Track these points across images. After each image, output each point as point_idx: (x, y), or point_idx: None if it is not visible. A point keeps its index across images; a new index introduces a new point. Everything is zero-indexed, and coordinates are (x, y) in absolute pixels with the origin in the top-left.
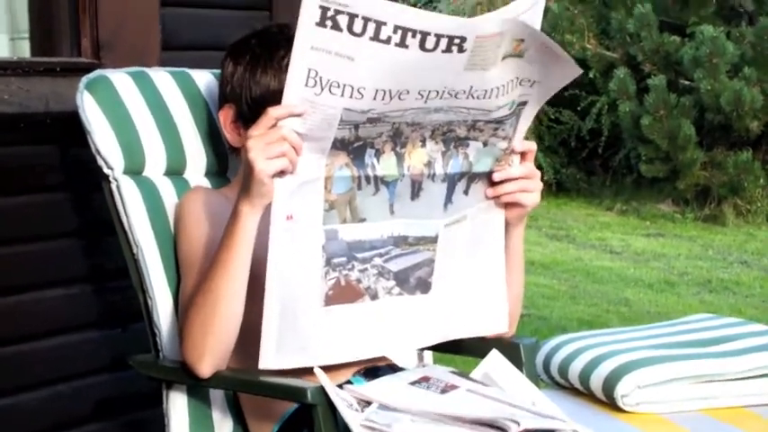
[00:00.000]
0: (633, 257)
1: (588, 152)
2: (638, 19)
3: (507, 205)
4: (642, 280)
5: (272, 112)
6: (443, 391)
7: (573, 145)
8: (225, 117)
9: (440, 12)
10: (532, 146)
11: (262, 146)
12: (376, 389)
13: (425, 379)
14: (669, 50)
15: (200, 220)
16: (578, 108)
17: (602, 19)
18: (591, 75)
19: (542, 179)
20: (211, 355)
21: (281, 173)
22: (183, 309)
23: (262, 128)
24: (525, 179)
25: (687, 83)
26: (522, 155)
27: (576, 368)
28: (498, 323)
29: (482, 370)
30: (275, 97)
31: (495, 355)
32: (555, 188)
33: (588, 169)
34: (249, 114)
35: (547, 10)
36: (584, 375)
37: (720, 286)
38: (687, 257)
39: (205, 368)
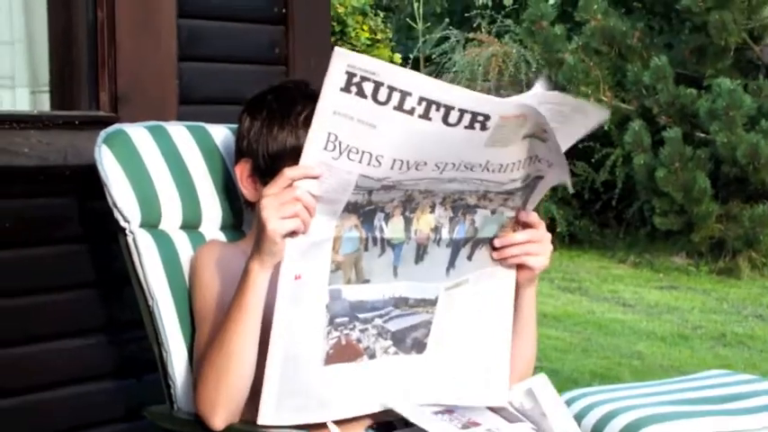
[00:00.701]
0: (646, 310)
1: (602, 204)
2: (653, 71)
3: (517, 267)
4: (655, 333)
5: (288, 172)
6: (465, 427)
7: (586, 197)
8: (241, 171)
9: (454, 63)
10: (536, 218)
11: (276, 205)
12: None
13: (449, 411)
14: (685, 103)
15: (214, 273)
16: (592, 160)
17: (618, 71)
18: (606, 127)
19: (555, 231)
20: (224, 409)
21: (293, 233)
22: (197, 362)
23: (277, 187)
24: (530, 243)
25: (703, 135)
26: (526, 224)
27: (588, 422)
28: (497, 397)
29: (526, 386)
30: (292, 153)
31: (541, 377)
32: (568, 240)
33: (602, 221)
34: (265, 169)
35: (562, 62)
36: (598, 430)
37: (735, 340)
38: (701, 311)
39: (218, 421)
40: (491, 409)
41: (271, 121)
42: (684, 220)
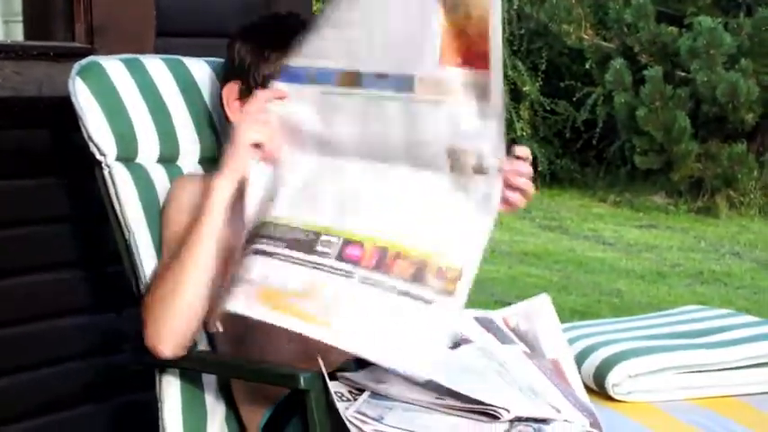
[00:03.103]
0: (626, 249)
1: (583, 143)
2: (635, 9)
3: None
4: (634, 271)
5: (261, 94)
6: (455, 346)
7: (567, 136)
8: (229, 94)
9: None
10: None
11: (249, 119)
12: (370, 376)
13: None
14: (666, 41)
15: (183, 207)
16: (574, 99)
17: (600, 9)
18: (587, 65)
19: (536, 170)
20: (173, 336)
21: (258, 146)
22: (145, 294)
23: (254, 105)
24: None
25: (683, 74)
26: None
27: None
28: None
29: (525, 306)
30: None
31: (543, 297)
32: (549, 179)
33: (582, 160)
34: (256, 89)
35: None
36: (576, 364)
37: (712, 278)
38: (679, 249)
39: (166, 349)
40: (486, 327)
41: (264, 44)
42: (664, 159)
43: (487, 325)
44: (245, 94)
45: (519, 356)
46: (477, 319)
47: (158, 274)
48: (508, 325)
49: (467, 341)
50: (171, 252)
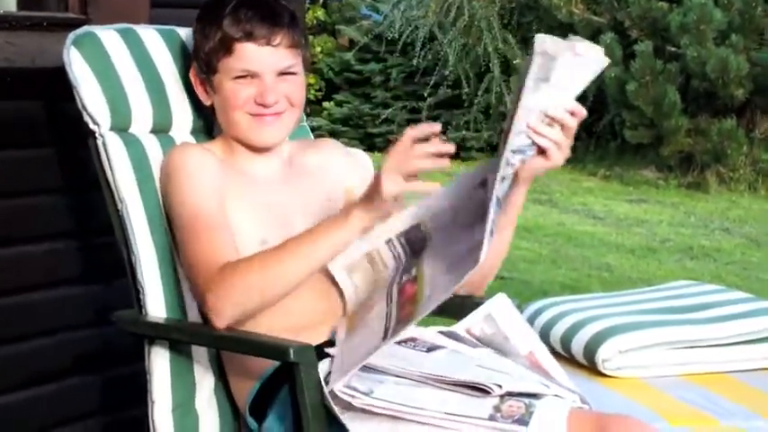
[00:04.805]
0: (615, 223)
1: None
2: None
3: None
4: (624, 245)
5: (410, 131)
6: (430, 350)
7: None
8: (194, 77)
9: None
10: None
11: (393, 165)
12: (337, 357)
13: (412, 339)
14: (656, 16)
15: (191, 175)
16: None
17: None
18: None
19: None
20: (240, 316)
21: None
22: (213, 265)
23: (399, 148)
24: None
25: (674, 49)
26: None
27: (557, 332)
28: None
29: (485, 311)
30: (220, 46)
31: (500, 297)
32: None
33: None
34: (206, 69)
35: None
36: (566, 339)
37: (702, 253)
38: (669, 224)
39: (221, 324)
40: (450, 337)
41: (204, 21)
42: (654, 134)
43: (455, 337)
44: (201, 74)
45: (492, 356)
46: (441, 332)
47: (250, 261)
48: (473, 334)
49: (440, 347)
50: (206, 224)
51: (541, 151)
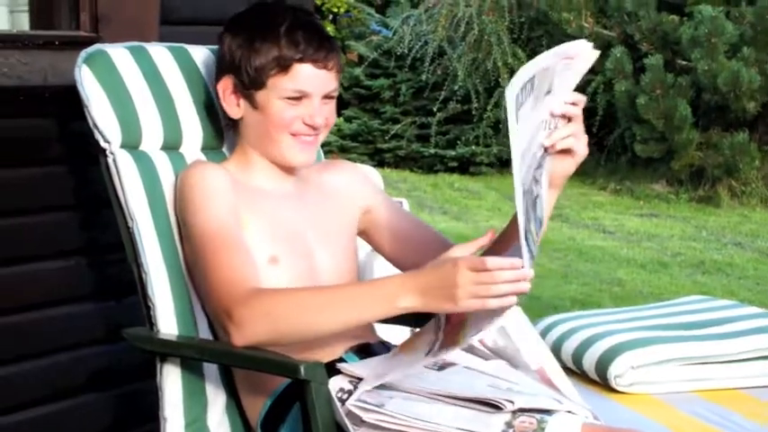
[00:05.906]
0: (626, 237)
1: None
2: None
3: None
4: (635, 260)
5: (490, 263)
6: (441, 368)
7: None
8: (224, 88)
9: None
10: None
11: (468, 282)
12: (369, 366)
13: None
14: (667, 30)
15: (207, 193)
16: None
17: None
18: None
19: None
20: (259, 342)
21: None
22: (239, 287)
23: (479, 269)
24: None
25: (684, 63)
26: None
27: (568, 348)
28: None
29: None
30: (274, 64)
31: (515, 310)
32: None
33: None
34: (249, 83)
35: None
36: (577, 355)
37: (714, 268)
38: (681, 238)
39: (243, 341)
40: (465, 350)
41: (253, 35)
42: (665, 148)
43: (466, 348)
44: (239, 89)
45: (505, 368)
46: None
47: (290, 296)
48: (486, 345)
49: (451, 364)
50: (226, 244)
51: (563, 152)
